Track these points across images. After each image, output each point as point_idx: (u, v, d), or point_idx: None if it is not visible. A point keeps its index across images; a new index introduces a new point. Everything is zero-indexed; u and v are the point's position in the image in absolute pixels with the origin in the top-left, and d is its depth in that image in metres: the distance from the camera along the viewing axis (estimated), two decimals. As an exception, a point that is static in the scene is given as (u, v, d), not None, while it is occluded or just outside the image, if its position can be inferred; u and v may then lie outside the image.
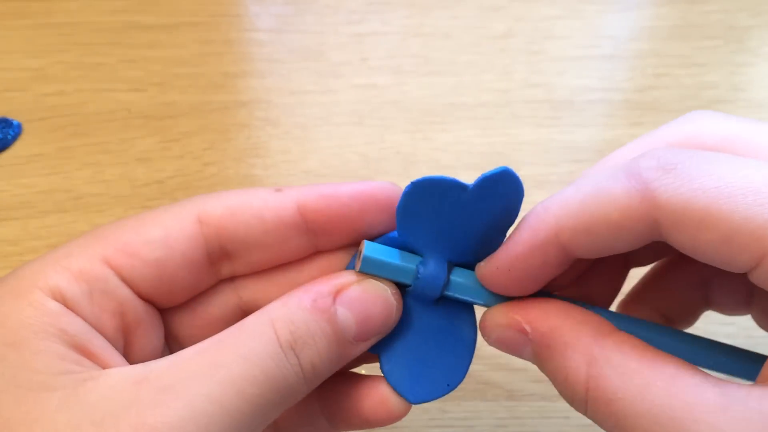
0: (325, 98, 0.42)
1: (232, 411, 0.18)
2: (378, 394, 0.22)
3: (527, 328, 0.20)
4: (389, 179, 0.38)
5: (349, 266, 0.22)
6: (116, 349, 0.20)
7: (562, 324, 0.19)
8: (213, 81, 0.43)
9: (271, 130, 0.41)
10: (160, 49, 0.44)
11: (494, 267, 0.20)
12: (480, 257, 0.21)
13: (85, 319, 0.19)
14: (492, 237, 0.21)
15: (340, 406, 0.23)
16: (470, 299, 0.22)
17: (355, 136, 0.40)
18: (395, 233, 0.22)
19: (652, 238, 0.19)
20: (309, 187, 0.22)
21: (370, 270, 0.21)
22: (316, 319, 0.19)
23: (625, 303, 0.26)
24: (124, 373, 0.18)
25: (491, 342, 0.21)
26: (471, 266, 0.22)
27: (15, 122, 0.40)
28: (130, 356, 0.21)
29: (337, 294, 0.20)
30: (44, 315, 0.18)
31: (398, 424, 0.27)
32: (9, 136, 0.40)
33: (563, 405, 0.30)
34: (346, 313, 0.20)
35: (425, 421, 0.30)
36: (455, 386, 0.22)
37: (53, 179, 0.38)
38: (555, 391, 0.30)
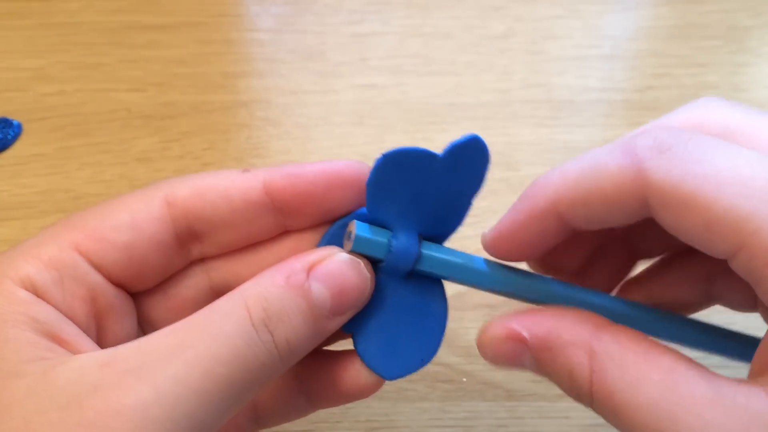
0: (325, 98, 0.42)
1: (200, 392, 0.17)
2: (352, 370, 0.22)
3: (525, 334, 0.20)
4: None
5: (320, 244, 0.22)
6: (89, 335, 0.20)
7: (559, 324, 0.20)
8: (213, 81, 0.43)
9: (271, 130, 0.41)
10: (160, 49, 0.44)
11: (498, 233, 0.21)
12: (447, 227, 0.22)
13: (56, 307, 0.19)
14: (459, 205, 0.21)
15: (316, 383, 0.23)
16: (440, 273, 0.22)
17: (355, 136, 0.40)
18: (362, 210, 0.22)
19: (642, 215, 0.19)
20: (276, 167, 0.22)
21: (362, 249, 0.21)
22: (291, 295, 0.19)
23: (624, 287, 0.26)
24: (91, 356, 0.18)
25: (490, 358, 0.21)
26: (438, 239, 0.22)
27: (15, 122, 0.40)
28: (103, 342, 0.21)
29: (310, 269, 0.20)
30: (14, 304, 0.19)
31: (398, 423, 0.27)
32: (9, 136, 0.40)
33: (563, 405, 0.30)
34: (320, 288, 0.20)
35: (425, 421, 0.30)
36: (428, 360, 0.22)
37: (53, 179, 0.38)
38: (555, 391, 0.30)
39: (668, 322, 0.23)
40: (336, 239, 0.22)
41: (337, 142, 0.40)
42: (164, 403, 0.17)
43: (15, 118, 0.40)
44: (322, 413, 0.29)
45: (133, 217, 0.21)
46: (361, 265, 0.21)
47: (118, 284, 0.21)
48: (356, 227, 0.21)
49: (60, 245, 0.20)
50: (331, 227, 0.22)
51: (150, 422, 0.17)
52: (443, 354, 0.31)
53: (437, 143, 0.39)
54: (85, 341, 0.19)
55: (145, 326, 0.23)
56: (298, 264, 0.20)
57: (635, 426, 0.17)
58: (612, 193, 0.19)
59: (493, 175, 0.40)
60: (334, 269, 0.20)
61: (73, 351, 0.19)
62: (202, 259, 0.23)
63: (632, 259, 0.25)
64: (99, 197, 0.37)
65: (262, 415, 0.24)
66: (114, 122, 0.41)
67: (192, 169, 0.38)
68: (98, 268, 0.20)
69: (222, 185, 0.21)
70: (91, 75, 0.43)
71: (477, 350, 0.32)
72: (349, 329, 0.22)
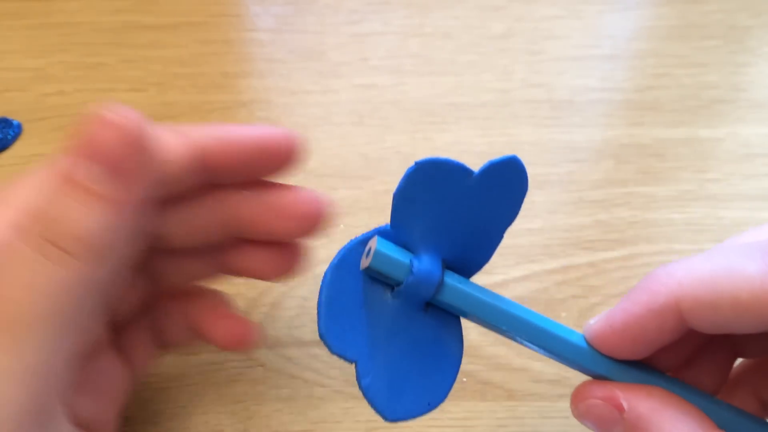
0: (325, 98, 0.42)
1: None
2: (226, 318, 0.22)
3: (625, 404, 0.19)
4: (389, 179, 0.38)
5: (335, 260, 0.20)
6: None
7: (663, 409, 0.19)
8: (213, 81, 0.43)
9: (271, 130, 0.41)
10: (160, 49, 0.44)
11: (608, 326, 0.20)
12: (475, 258, 0.20)
13: None
14: (490, 234, 0.20)
15: (174, 325, 0.23)
16: (462, 308, 0.20)
17: (355, 136, 0.40)
18: (385, 227, 0.20)
19: None
20: (205, 127, 0.22)
21: (381, 266, 0.19)
22: (62, 192, 0.17)
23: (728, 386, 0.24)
24: None
25: (579, 413, 0.20)
26: (462, 271, 0.20)
27: (15, 122, 0.40)
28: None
29: (74, 155, 0.18)
30: None
31: (398, 423, 0.26)
32: (9, 136, 0.40)
33: (564, 405, 0.30)
34: (84, 163, 0.17)
35: (425, 421, 0.29)
36: (435, 406, 0.21)
37: (53, 179, 0.38)
38: (555, 392, 0.30)
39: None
40: (352, 255, 0.20)
41: (337, 142, 0.40)
42: None
43: (15, 118, 0.40)
44: (322, 413, 0.29)
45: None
46: (120, 113, 0.18)
47: None
48: (377, 243, 0.19)
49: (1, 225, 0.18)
50: (348, 243, 0.21)
51: None
52: (443, 354, 0.31)
53: (437, 143, 0.40)
54: None
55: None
56: (67, 159, 0.18)
57: None
58: (747, 300, 0.18)
59: (493, 175, 0.40)
60: (88, 134, 0.18)
61: None
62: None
63: (734, 356, 0.24)
64: (99, 197, 0.37)
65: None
66: (114, 122, 0.41)
67: (192, 169, 0.38)
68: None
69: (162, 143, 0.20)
70: (92, 75, 0.43)
71: (477, 350, 0.32)
72: (353, 357, 0.20)
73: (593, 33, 0.47)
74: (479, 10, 0.48)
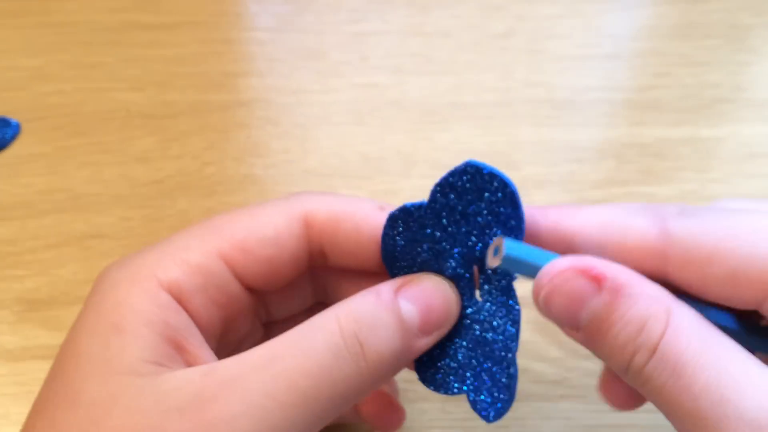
0: (325, 97, 0.42)
1: (286, 405, 0.18)
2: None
3: (607, 274, 0.19)
4: (389, 179, 0.38)
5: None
6: (214, 338, 0.22)
7: (641, 278, 0.19)
8: (213, 80, 0.43)
9: (271, 129, 0.41)
10: (159, 48, 0.44)
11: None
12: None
13: (194, 312, 0.21)
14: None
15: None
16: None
17: (355, 135, 0.40)
18: (422, 202, 0.22)
19: (659, 277, 0.20)
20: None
21: (510, 267, 0.21)
22: (380, 310, 0.20)
23: None
24: (198, 369, 0.19)
25: (547, 292, 0.20)
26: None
27: (14, 122, 0.40)
28: (226, 339, 0.23)
29: (398, 290, 0.21)
30: (153, 304, 0.20)
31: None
32: (8, 136, 0.39)
33: (564, 405, 0.30)
34: (408, 305, 0.21)
35: (426, 422, 0.29)
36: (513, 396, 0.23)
37: (52, 179, 0.38)
38: (556, 392, 0.30)
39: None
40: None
41: (337, 142, 0.40)
42: (253, 414, 0.18)
43: (14, 117, 0.40)
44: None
45: (277, 233, 0.22)
46: (447, 285, 0.22)
47: (250, 289, 0.22)
48: (506, 246, 0.20)
49: (208, 252, 0.21)
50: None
51: None
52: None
53: (437, 143, 0.39)
54: (204, 352, 0.20)
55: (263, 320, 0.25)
56: (386, 286, 0.21)
57: (694, 385, 0.18)
58: (634, 251, 0.20)
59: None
60: (421, 289, 0.21)
61: (190, 361, 0.20)
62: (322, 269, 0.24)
63: None
64: (98, 197, 0.37)
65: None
66: (113, 122, 0.41)
67: (192, 169, 0.38)
68: (239, 277, 0.22)
69: (358, 218, 0.22)
70: (90, 74, 0.43)
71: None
72: (459, 389, 0.22)
73: (594, 32, 0.47)
74: (480, 9, 0.48)
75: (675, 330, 0.18)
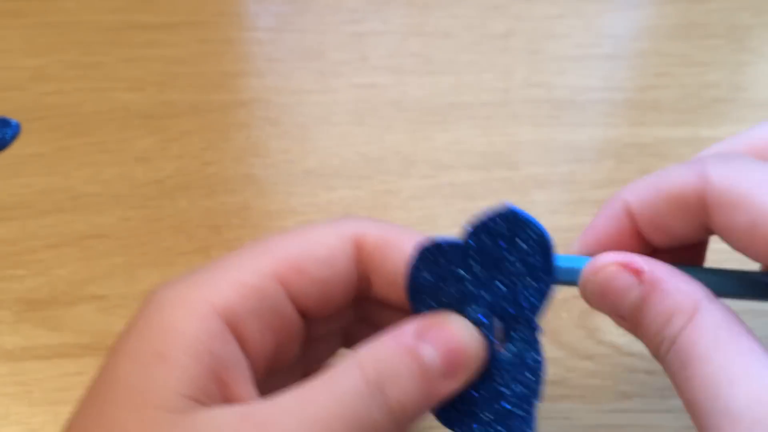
0: (325, 98, 0.42)
1: None
2: None
3: (645, 267, 0.20)
4: (389, 179, 0.38)
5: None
6: (266, 361, 0.21)
7: (676, 273, 0.20)
8: (212, 80, 0.43)
9: (271, 129, 0.41)
10: (159, 48, 0.44)
11: (583, 243, 0.23)
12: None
13: (247, 338, 0.20)
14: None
15: None
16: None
17: (355, 135, 0.40)
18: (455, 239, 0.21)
19: (701, 221, 0.21)
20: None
21: (563, 277, 0.21)
22: (401, 356, 0.20)
23: None
24: (234, 411, 0.19)
25: (593, 286, 0.21)
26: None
27: (13, 122, 0.40)
28: (275, 364, 0.22)
29: (421, 332, 0.20)
30: (201, 332, 0.19)
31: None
32: (7, 136, 0.39)
33: (564, 406, 0.30)
34: (429, 349, 0.20)
35: (426, 422, 0.29)
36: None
37: (51, 179, 0.38)
38: (556, 392, 0.30)
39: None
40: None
41: (337, 142, 0.40)
42: None
43: (13, 117, 0.40)
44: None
45: (331, 254, 0.21)
46: (471, 326, 0.21)
47: (302, 313, 0.22)
48: (558, 260, 0.21)
49: (263, 273, 0.20)
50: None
51: None
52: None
53: (437, 143, 0.39)
54: (245, 389, 0.20)
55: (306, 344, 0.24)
56: (408, 328, 0.20)
57: (694, 378, 0.18)
58: (676, 193, 0.21)
59: (493, 174, 0.40)
60: (443, 331, 0.21)
61: (229, 397, 0.19)
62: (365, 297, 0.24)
63: None
64: (97, 197, 0.37)
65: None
66: (113, 122, 0.40)
67: (191, 169, 0.38)
68: (294, 299, 0.21)
69: (405, 245, 0.22)
70: (90, 74, 0.43)
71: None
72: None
73: (594, 32, 0.47)
74: (480, 9, 0.48)
75: (695, 325, 0.19)
